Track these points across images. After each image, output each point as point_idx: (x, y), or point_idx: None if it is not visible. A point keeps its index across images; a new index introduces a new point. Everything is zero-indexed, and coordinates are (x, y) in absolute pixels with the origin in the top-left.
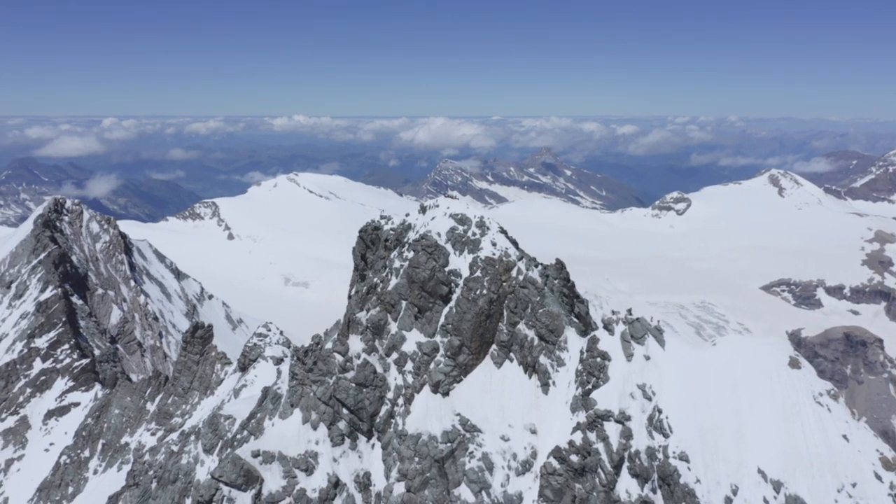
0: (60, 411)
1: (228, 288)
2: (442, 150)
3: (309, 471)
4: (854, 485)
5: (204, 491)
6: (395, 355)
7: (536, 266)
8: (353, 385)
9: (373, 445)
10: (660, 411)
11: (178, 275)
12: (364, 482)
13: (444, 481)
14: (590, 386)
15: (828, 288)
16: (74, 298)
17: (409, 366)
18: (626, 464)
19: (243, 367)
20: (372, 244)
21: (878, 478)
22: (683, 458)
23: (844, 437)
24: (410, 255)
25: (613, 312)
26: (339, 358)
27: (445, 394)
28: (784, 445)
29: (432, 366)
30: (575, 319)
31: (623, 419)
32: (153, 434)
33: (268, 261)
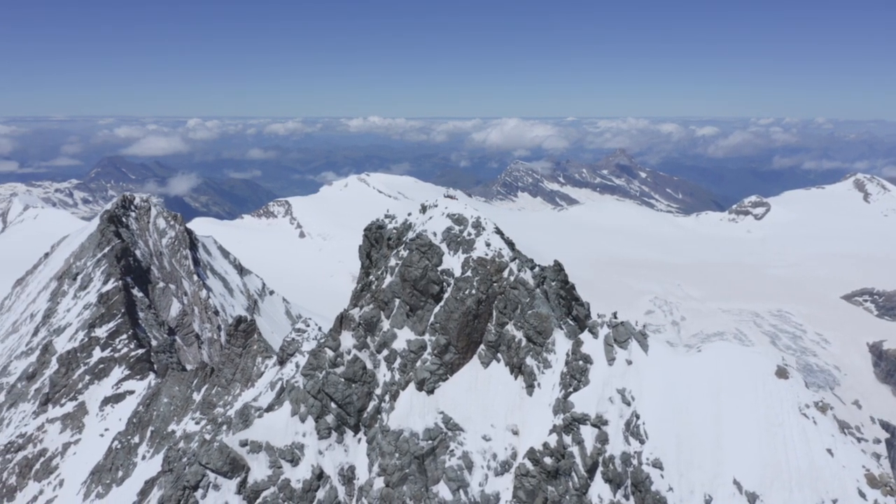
0: (116, 398)
1: (298, 285)
2: (513, 152)
3: (294, 462)
4: (835, 501)
5: (191, 477)
6: (385, 352)
7: (532, 268)
8: (342, 380)
9: (359, 440)
10: (637, 417)
11: (241, 270)
12: (348, 475)
13: (423, 478)
14: (571, 389)
15: None
16: (135, 291)
17: (399, 363)
18: (599, 468)
19: (281, 361)
20: (376, 242)
21: (862, 495)
22: (657, 464)
23: (829, 451)
24: (405, 253)
25: (599, 315)
26: (329, 353)
27: (430, 392)
28: (763, 457)
29: (419, 363)
30: (571, 322)
31: (600, 423)
32: (197, 423)
33: (337, 259)
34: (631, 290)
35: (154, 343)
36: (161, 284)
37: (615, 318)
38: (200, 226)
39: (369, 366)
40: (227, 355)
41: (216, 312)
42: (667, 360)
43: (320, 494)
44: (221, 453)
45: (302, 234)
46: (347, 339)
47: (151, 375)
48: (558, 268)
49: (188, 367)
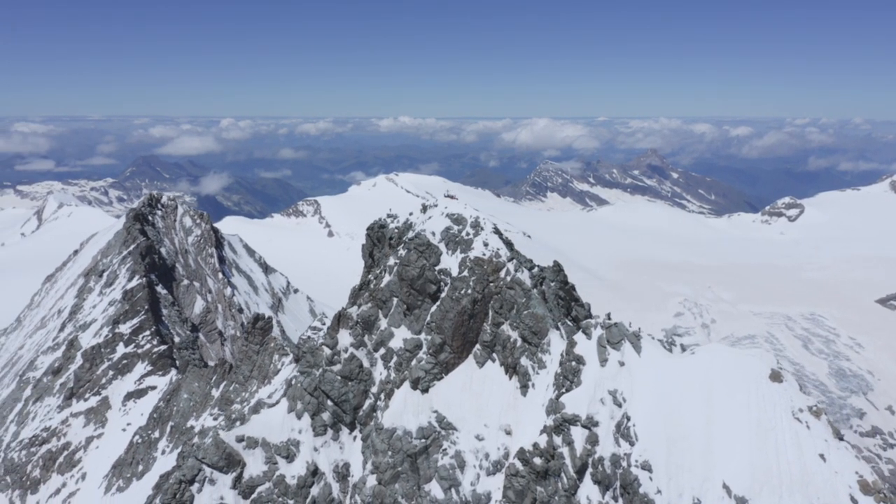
0: (138, 394)
1: (326, 283)
2: (543, 152)
3: (290, 458)
4: None
5: (187, 471)
6: (382, 351)
7: (530, 268)
8: (339, 378)
9: (355, 437)
10: (628, 418)
11: (266, 269)
12: (343, 472)
13: (415, 476)
14: (563, 389)
15: None
16: (159, 288)
17: (395, 361)
18: (589, 470)
19: (297, 359)
20: (378, 242)
21: (854, 501)
22: (646, 467)
23: (821, 456)
24: (404, 253)
25: (593, 316)
26: (326, 351)
27: (425, 391)
28: (754, 461)
29: (414, 362)
30: (569, 323)
31: (590, 424)
32: (215, 419)
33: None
34: (660, 291)
35: (177, 340)
36: (185, 282)
37: (609, 318)
38: (231, 224)
39: (366, 364)
40: (244, 352)
41: (240, 310)
42: (659, 362)
43: (314, 491)
44: (217, 448)
45: (330, 234)
46: (345, 338)
47: (173, 371)
48: (557, 268)
49: (211, 363)
